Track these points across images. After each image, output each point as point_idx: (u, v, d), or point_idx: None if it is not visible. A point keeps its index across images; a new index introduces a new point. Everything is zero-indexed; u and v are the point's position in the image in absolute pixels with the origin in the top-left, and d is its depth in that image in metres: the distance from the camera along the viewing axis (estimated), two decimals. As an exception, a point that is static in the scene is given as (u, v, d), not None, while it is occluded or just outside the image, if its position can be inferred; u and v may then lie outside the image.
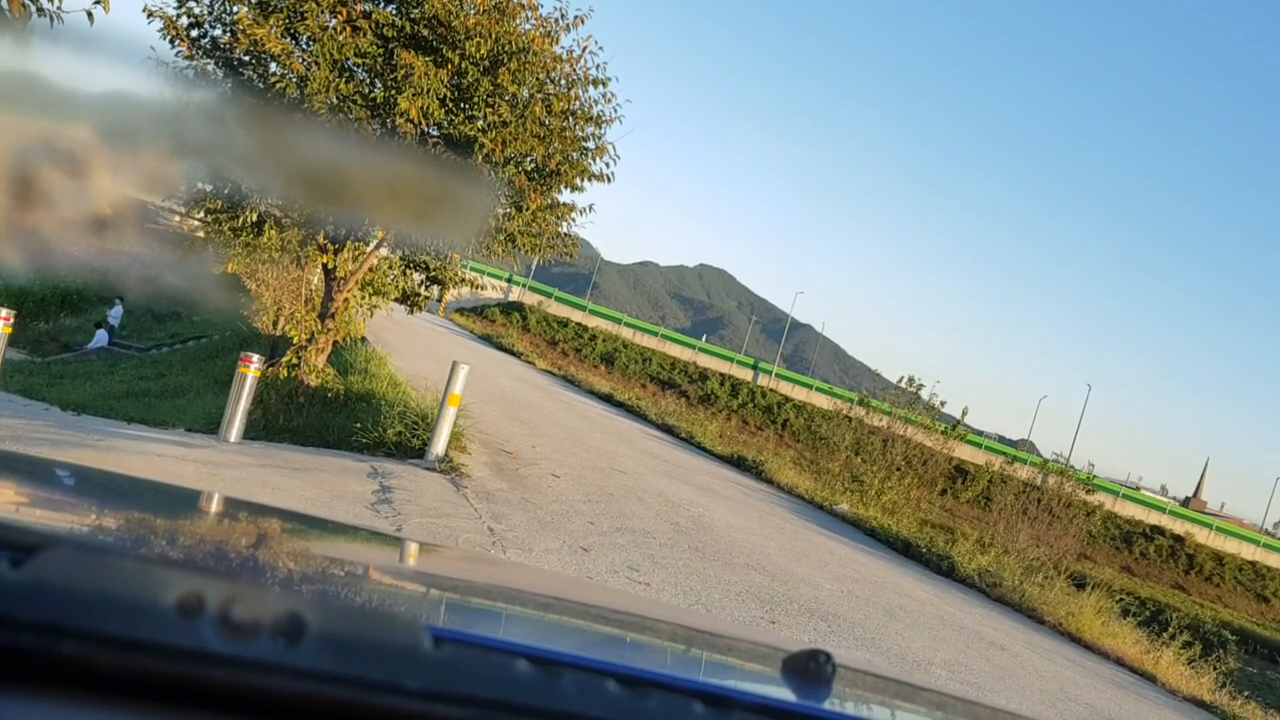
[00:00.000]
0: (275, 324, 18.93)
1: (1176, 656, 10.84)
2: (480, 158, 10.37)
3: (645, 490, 10.82)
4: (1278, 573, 50.32)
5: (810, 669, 0.80)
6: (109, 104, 1.95)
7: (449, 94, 10.52)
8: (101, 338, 22.74)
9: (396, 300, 13.45)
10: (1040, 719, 6.41)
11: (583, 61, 11.11)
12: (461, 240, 11.13)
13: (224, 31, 10.74)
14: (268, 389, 11.31)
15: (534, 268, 46.90)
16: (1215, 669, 10.81)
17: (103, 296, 24.34)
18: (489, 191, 10.16)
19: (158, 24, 10.47)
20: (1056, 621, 11.05)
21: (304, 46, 10.54)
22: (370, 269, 12.39)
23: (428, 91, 10.12)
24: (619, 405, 24.27)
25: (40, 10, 5.19)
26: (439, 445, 8.90)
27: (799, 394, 53.10)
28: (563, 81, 11.17)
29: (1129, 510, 52.13)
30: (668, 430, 20.84)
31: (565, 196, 11.59)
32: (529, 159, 11.06)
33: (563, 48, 11.06)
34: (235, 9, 10.40)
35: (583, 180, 11.39)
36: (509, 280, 52.98)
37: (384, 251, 12.56)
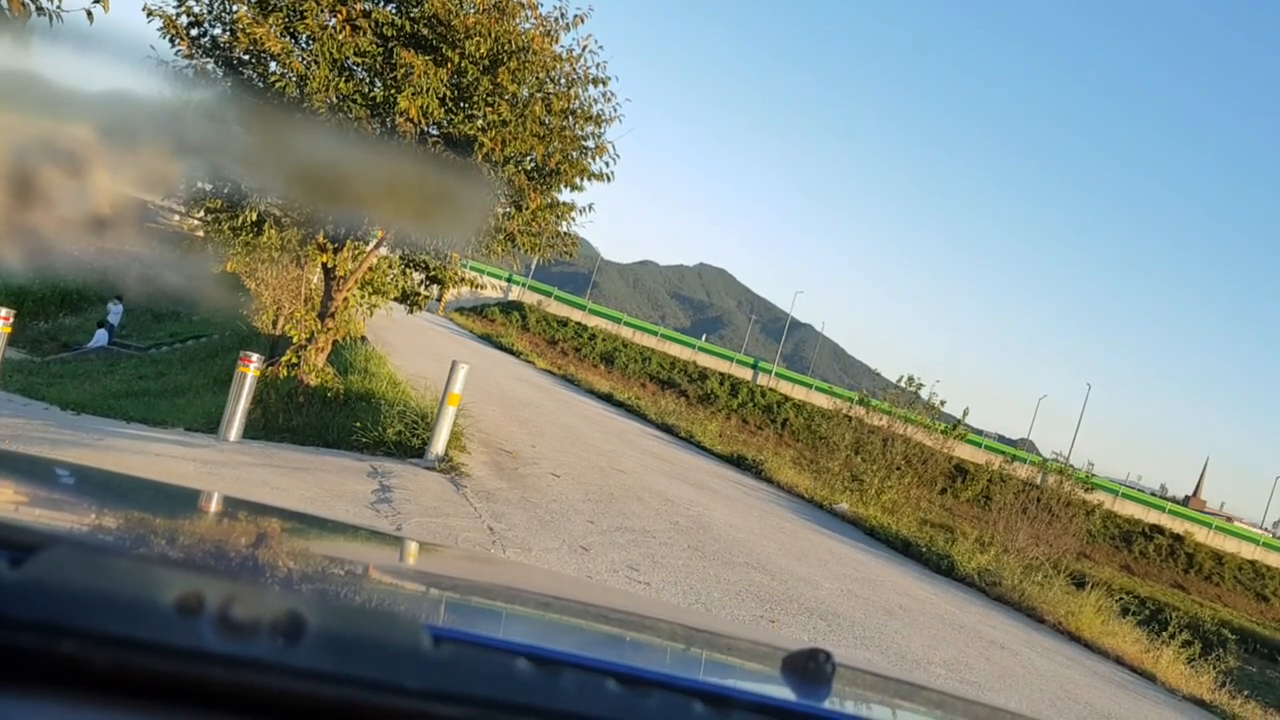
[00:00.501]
0: (275, 323, 18.92)
1: (1176, 655, 10.84)
2: (480, 157, 10.36)
3: (645, 489, 10.82)
4: (1277, 572, 50.33)
5: (810, 668, 0.80)
6: (109, 103, 1.94)
7: (449, 93, 10.52)
8: (101, 337, 22.73)
9: (396, 299, 13.45)
10: (1040, 718, 6.41)
11: (582, 60, 11.11)
12: (461, 239, 11.13)
13: (223, 30, 10.73)
14: (267, 388, 11.31)
15: (534, 267, 46.84)
16: (1215, 668, 10.81)
17: (102, 296, 24.32)
18: (488, 190, 10.15)
19: (158, 23, 10.47)
20: (1056, 620, 11.06)
21: (303, 45, 10.54)
22: (370, 268, 12.39)
23: (427, 90, 10.11)
24: (619, 404, 24.28)
25: (40, 9, 5.19)
26: (439, 445, 8.90)
27: (799, 393, 53.10)
28: (562, 81, 11.16)
29: (1128, 509, 52.14)
30: (667, 429, 20.84)
31: (565, 196, 11.59)
32: (529, 158, 11.05)
33: (562, 47, 11.05)
34: (235, 8, 10.40)
35: (582, 179, 11.38)
36: (509, 280, 52.96)
37: (383, 251, 12.56)
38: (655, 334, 57.23)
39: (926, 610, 9.18)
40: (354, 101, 10.37)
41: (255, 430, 10.07)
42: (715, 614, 6.32)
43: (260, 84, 10.87)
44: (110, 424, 11.18)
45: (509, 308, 51.67)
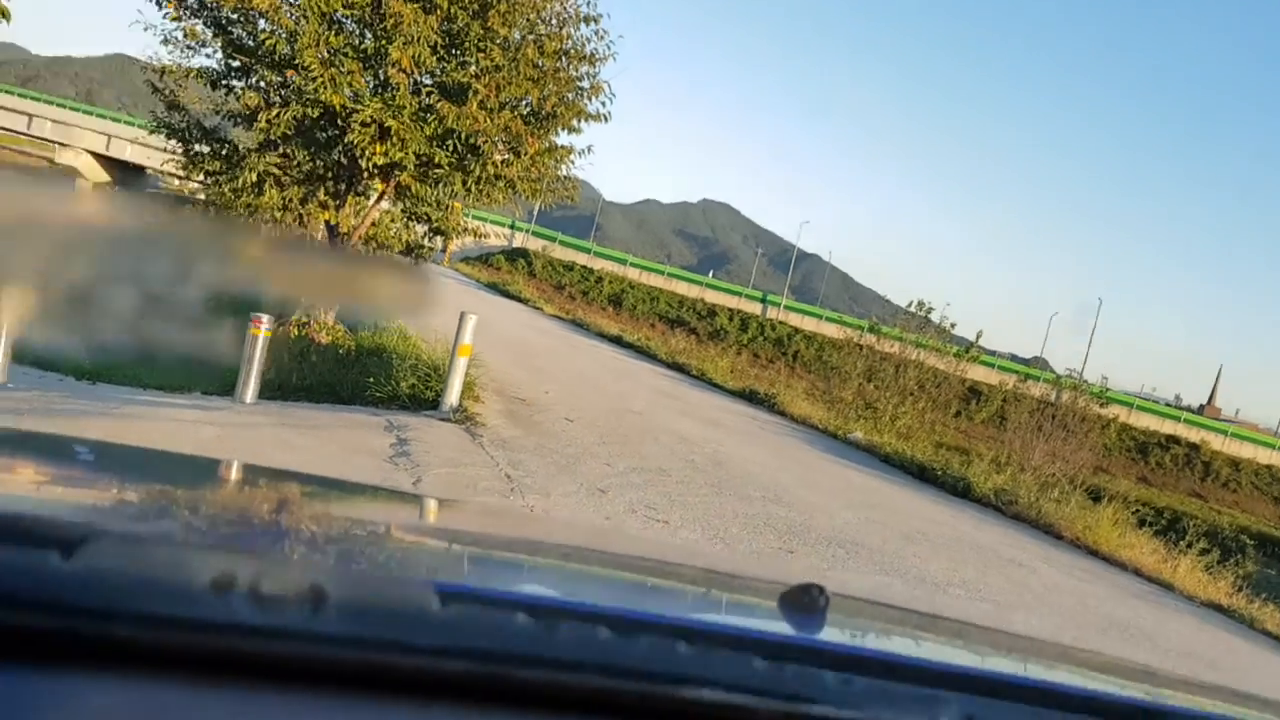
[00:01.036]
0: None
1: (1194, 563, 10.94)
2: (475, 104, 10.27)
3: (659, 429, 10.90)
4: (1295, 476, 50.45)
5: (804, 603, 0.84)
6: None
7: (440, 41, 10.40)
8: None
9: (401, 253, 13.46)
10: (1047, 633, 6.52)
11: (572, -1, 10.96)
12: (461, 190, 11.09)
13: (209, -10, 10.62)
14: (280, 348, 11.38)
15: (536, 213, 46.60)
16: (1233, 574, 10.91)
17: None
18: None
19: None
20: (1074, 535, 11.15)
21: (291, 1, 10.41)
22: (373, 223, 12.38)
23: (418, 39, 10.00)
24: (629, 346, 24.30)
25: None
26: (452, 396, 8.97)
27: (808, 325, 53.03)
28: (553, 21, 11.02)
29: (1144, 421, 52.21)
30: (678, 368, 20.88)
31: (563, 139, 11.52)
32: (524, 102, 10.95)
33: (552, -15, 10.91)
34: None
35: (579, 121, 11.30)
36: (512, 227, 52.73)
37: (385, 205, 12.54)
38: (662, 273, 57.05)
39: (944, 533, 9.28)
40: (345, 55, 10.27)
41: (270, 391, 10.15)
42: (732, 549, 6.42)
43: (250, 42, 10.76)
44: (127, 391, 11.28)
45: (514, 255, 51.53)
